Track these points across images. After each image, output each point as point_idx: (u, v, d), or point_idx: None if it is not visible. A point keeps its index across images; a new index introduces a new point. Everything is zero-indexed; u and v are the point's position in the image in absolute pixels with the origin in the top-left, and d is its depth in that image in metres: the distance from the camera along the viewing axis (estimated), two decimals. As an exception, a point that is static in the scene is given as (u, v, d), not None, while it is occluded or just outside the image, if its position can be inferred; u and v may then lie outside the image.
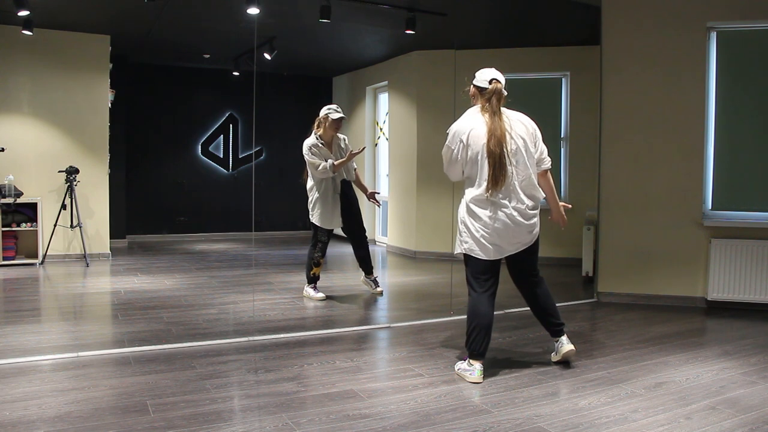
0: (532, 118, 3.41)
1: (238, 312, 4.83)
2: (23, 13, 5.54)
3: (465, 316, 3.41)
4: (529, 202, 3.29)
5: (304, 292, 5.31)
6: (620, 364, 3.56)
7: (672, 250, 5.10)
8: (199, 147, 9.03)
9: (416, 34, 6.21)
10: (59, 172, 6.75)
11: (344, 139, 5.25)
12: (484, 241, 3.27)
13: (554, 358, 3.56)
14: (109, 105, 7.21)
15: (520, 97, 3.59)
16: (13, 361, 3.46)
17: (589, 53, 6.19)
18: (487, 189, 3.21)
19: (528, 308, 3.61)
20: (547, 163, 3.41)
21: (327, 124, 5.09)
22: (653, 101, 5.12)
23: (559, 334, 3.51)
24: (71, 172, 6.70)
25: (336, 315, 4.85)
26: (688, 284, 5.10)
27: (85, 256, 6.76)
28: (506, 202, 3.24)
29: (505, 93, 3.31)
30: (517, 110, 3.40)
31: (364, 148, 5.21)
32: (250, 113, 8.83)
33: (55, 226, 6.68)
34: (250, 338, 4.03)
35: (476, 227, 3.29)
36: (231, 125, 9.14)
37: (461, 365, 3.36)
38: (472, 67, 3.45)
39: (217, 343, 3.91)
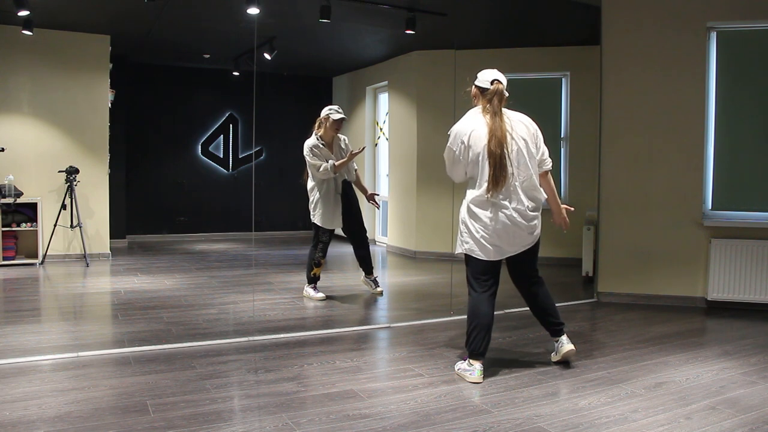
0: (532, 119, 3.41)
1: (238, 312, 4.83)
2: (23, 13, 5.54)
3: (465, 316, 3.41)
4: (530, 204, 3.29)
5: (304, 292, 5.31)
6: (620, 364, 3.56)
7: (672, 250, 5.10)
8: (199, 147, 9.03)
9: (416, 34, 6.21)
10: (59, 172, 6.75)
11: (344, 140, 5.25)
12: (484, 242, 3.27)
13: (554, 358, 3.56)
14: (109, 105, 7.21)
15: (520, 97, 3.59)
16: (13, 361, 3.46)
17: (589, 53, 6.19)
18: (488, 190, 3.21)
19: (528, 308, 3.61)
20: (548, 164, 3.41)
21: (328, 124, 5.09)
22: (653, 101, 5.11)
23: (559, 334, 3.51)
24: (71, 172, 6.70)
25: (336, 315, 4.85)
26: (688, 284, 5.10)
27: (85, 256, 6.76)
28: (506, 203, 3.24)
29: (507, 94, 3.31)
30: (517, 110, 3.40)
31: (363, 148, 5.22)
32: (250, 113, 8.83)
33: (55, 226, 6.68)
34: (250, 338, 4.03)
35: (476, 228, 3.29)
36: (231, 125, 9.14)
37: (461, 365, 3.36)
38: (472, 67, 3.46)
39: (217, 343, 3.91)
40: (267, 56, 6.76)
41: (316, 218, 5.14)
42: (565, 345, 3.47)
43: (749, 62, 5.09)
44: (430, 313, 4.79)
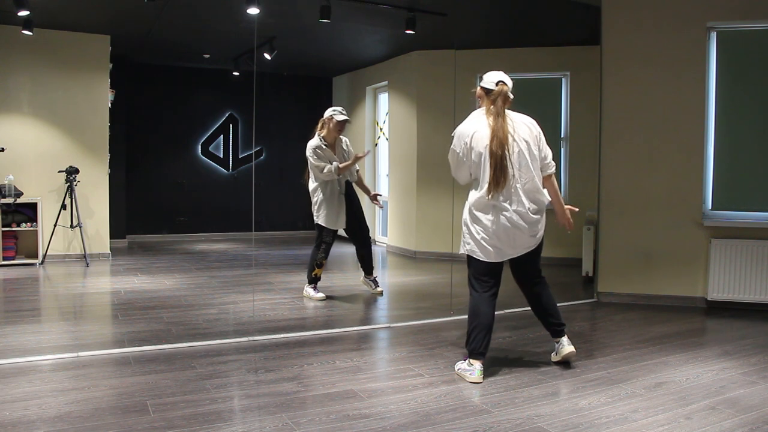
0: (532, 119, 3.42)
1: (238, 312, 4.84)
2: (23, 13, 5.54)
3: (465, 316, 3.41)
4: (532, 206, 3.28)
5: (304, 292, 5.31)
6: (620, 364, 3.56)
7: (672, 250, 5.10)
8: (199, 147, 9.03)
9: (416, 34, 6.21)
10: (59, 172, 6.75)
11: (346, 142, 5.26)
12: (484, 244, 3.28)
13: (554, 358, 3.56)
14: (109, 105, 7.21)
15: (520, 97, 3.58)
16: (13, 361, 3.46)
17: (589, 53, 6.19)
18: (488, 191, 3.21)
19: (528, 308, 3.62)
20: (552, 167, 3.41)
21: (331, 125, 5.08)
22: (653, 101, 5.11)
23: (560, 334, 3.51)
24: (71, 172, 6.70)
25: (336, 315, 4.85)
26: (688, 284, 5.10)
27: (85, 256, 6.76)
28: (507, 205, 3.24)
29: (512, 96, 3.31)
30: (517, 110, 3.40)
31: (368, 152, 5.22)
32: (250, 113, 8.83)
33: (55, 226, 6.68)
34: (250, 338, 4.03)
35: (477, 230, 3.29)
36: (231, 125, 9.14)
37: (461, 365, 3.36)
38: (472, 67, 3.46)
39: (217, 343, 3.91)
40: (267, 56, 6.76)
41: (320, 219, 5.14)
42: (566, 346, 3.48)
43: (749, 62, 5.09)
44: (430, 313, 4.79)
